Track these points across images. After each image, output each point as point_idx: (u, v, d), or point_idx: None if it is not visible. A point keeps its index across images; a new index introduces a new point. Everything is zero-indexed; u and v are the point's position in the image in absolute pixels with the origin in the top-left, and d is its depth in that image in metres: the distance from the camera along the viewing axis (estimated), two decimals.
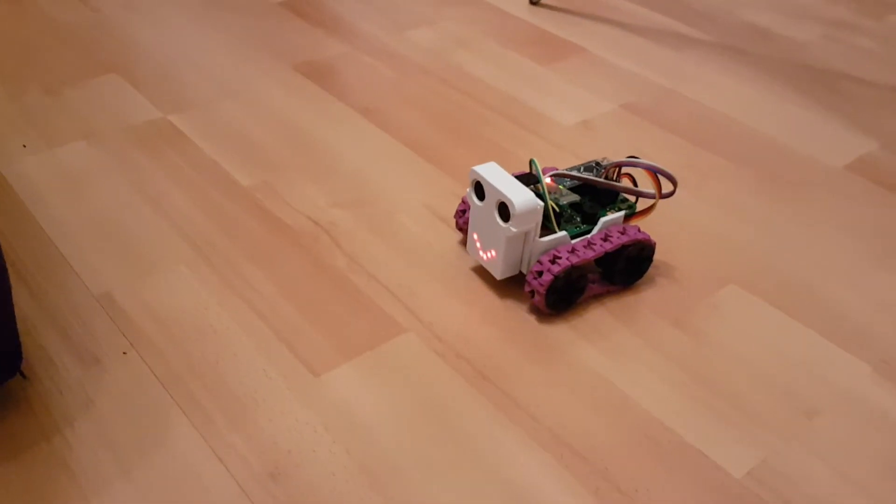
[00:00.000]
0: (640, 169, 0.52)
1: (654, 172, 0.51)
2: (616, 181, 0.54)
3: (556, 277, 0.49)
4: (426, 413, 0.44)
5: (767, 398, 0.47)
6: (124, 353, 0.47)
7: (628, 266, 0.52)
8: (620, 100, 0.75)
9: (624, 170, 0.54)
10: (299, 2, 0.90)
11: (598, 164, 0.55)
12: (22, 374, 0.44)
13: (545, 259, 0.50)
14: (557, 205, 0.53)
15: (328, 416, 0.44)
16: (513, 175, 0.51)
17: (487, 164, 0.51)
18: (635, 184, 0.55)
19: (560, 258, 0.50)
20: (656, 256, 0.56)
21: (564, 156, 0.67)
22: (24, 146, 0.63)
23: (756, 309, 0.53)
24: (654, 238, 0.58)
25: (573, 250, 0.50)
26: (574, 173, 0.54)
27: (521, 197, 0.48)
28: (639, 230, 0.53)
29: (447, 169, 0.64)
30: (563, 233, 0.51)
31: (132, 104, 0.70)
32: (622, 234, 0.52)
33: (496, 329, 0.50)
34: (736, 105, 0.76)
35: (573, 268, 0.50)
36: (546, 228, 0.52)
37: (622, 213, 0.53)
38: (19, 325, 0.48)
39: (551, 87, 0.77)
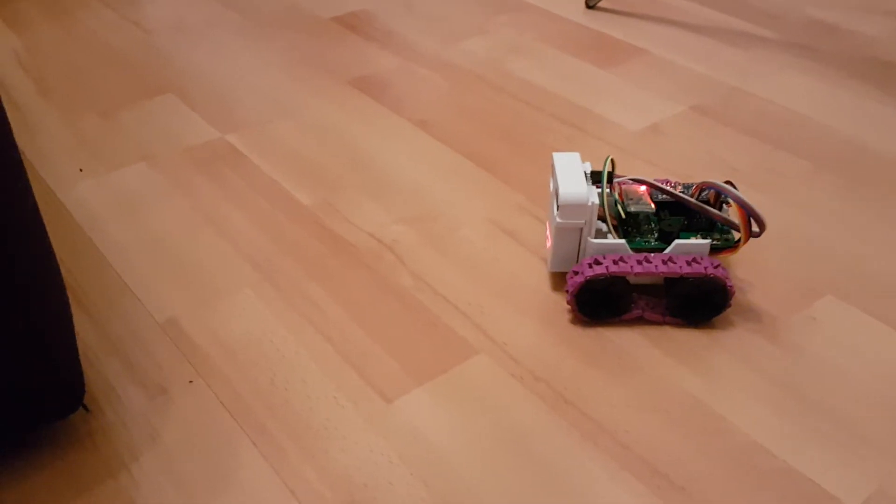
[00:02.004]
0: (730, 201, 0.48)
1: (743, 209, 0.47)
2: (713, 206, 0.49)
3: (588, 281, 0.46)
4: (505, 440, 0.42)
5: (877, 417, 0.43)
6: (190, 381, 0.45)
7: (690, 302, 0.47)
8: (688, 101, 0.72)
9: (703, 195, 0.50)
10: (351, 17, 0.89)
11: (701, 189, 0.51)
12: (84, 406, 0.43)
13: (588, 261, 0.47)
14: (625, 211, 0.50)
15: (402, 444, 0.41)
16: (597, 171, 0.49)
17: (570, 153, 0.50)
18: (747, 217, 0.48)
19: (601, 264, 0.47)
20: (743, 264, 0.53)
21: (634, 162, 0.64)
22: (81, 170, 0.63)
23: (855, 320, 0.49)
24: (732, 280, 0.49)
25: (622, 260, 0.47)
26: (659, 184, 0.50)
27: (571, 189, 0.47)
28: (717, 266, 0.47)
29: (510, 180, 0.62)
30: (621, 241, 0.48)
31: (189, 125, 0.69)
32: (691, 262, 0.47)
33: (574, 349, 0.47)
34: (809, 103, 0.72)
35: (613, 278, 0.46)
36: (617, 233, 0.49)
37: (707, 241, 0.48)
38: (80, 355, 0.47)
39: (614, 90, 0.74)
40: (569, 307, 0.49)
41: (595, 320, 0.48)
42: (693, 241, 0.48)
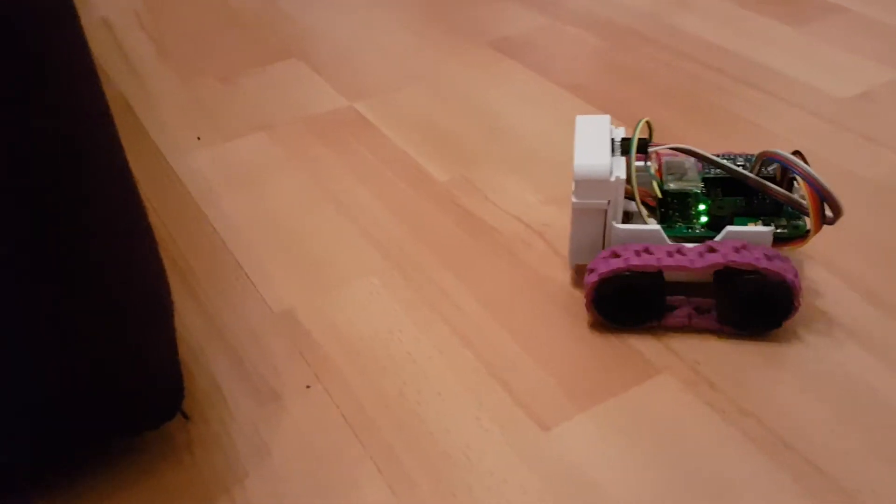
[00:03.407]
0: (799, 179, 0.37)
1: (814, 189, 0.35)
2: (779, 184, 0.38)
3: (603, 280, 0.36)
4: (699, 490, 0.32)
5: None
6: (307, 386, 0.38)
7: (745, 303, 0.36)
8: None
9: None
10: None
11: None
12: (183, 413, 0.36)
13: (605, 254, 0.38)
14: (662, 189, 0.39)
15: (564, 485, 0.32)
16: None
17: (599, 115, 0.40)
18: (824, 198, 0.37)
19: (620, 256, 0.36)
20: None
21: (845, 136, 0.51)
22: (199, 139, 0.57)
23: None
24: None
25: (647, 251, 0.36)
26: (704, 153, 0.39)
27: (588, 161, 0.37)
28: (780, 259, 0.36)
29: None
30: (655, 226, 0.38)
31: (314, 91, 0.62)
32: (741, 250, 0.36)
33: (790, 373, 0.36)
34: None
35: (637, 274, 0.36)
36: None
37: (769, 229, 0.37)
38: (184, 347, 0.40)
39: (809, 51, 0.61)
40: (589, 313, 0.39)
41: (625, 325, 0.38)
42: (751, 227, 0.37)
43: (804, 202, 0.37)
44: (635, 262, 0.36)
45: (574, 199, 0.38)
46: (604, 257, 0.38)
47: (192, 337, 0.41)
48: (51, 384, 0.28)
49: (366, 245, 0.46)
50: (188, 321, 0.42)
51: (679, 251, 0.37)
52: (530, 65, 0.63)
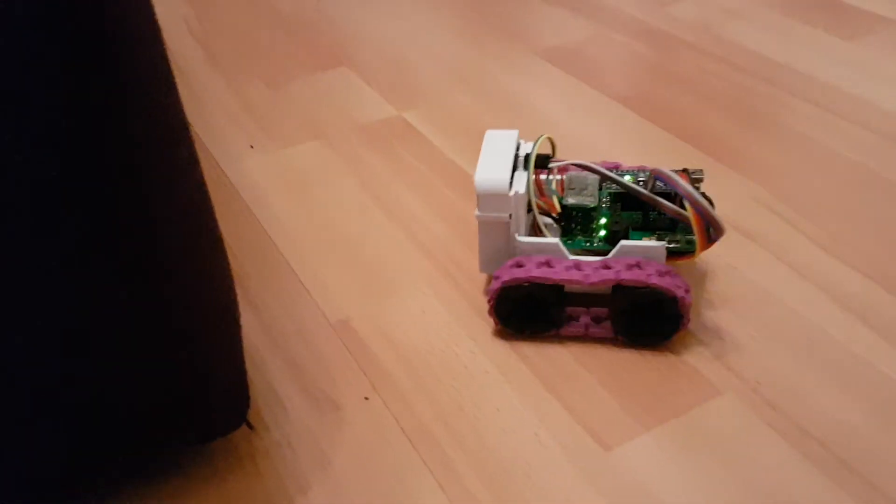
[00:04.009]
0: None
1: (693, 208, 0.37)
2: (672, 199, 0.39)
3: (505, 288, 0.38)
4: None
5: None
6: (366, 398, 0.38)
7: (634, 318, 0.38)
8: None
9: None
10: None
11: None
12: (248, 423, 0.37)
13: (511, 263, 0.39)
14: (560, 203, 0.41)
15: None
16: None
17: (508, 130, 0.42)
18: (712, 205, 0.39)
19: (523, 266, 0.38)
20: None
21: None
22: (252, 147, 0.58)
23: None
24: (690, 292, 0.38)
25: (548, 264, 0.38)
26: (599, 168, 0.40)
27: (488, 175, 0.39)
28: (671, 275, 0.37)
29: (741, 168, 0.51)
30: (554, 239, 0.39)
31: (363, 100, 0.62)
32: (632, 268, 0.37)
33: (856, 393, 0.36)
34: None
35: (537, 285, 0.38)
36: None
37: (661, 244, 0.38)
38: (245, 358, 0.41)
39: (865, 66, 0.60)
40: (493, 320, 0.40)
41: (524, 333, 0.40)
42: (644, 242, 0.38)
43: (675, 208, 0.39)
44: (535, 273, 0.38)
45: (477, 213, 0.40)
46: (508, 267, 0.39)
47: (251, 344, 0.41)
48: (127, 393, 0.29)
49: (418, 254, 0.46)
50: (246, 329, 0.42)
51: (577, 266, 0.38)
52: (580, 74, 0.63)
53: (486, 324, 0.41)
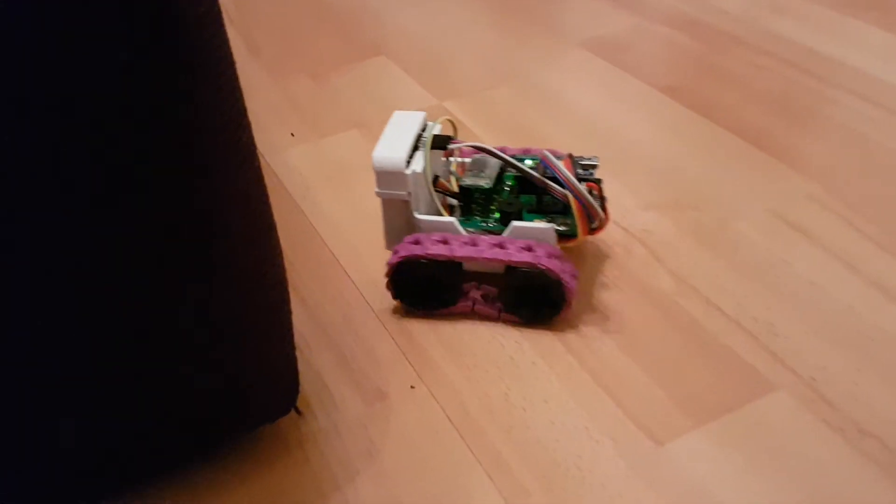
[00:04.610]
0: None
1: (572, 194, 0.39)
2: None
3: (402, 263, 0.39)
4: None
5: None
6: (412, 386, 0.38)
7: (522, 297, 0.39)
8: None
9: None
10: None
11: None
12: (297, 409, 0.37)
13: (409, 240, 0.40)
14: (459, 184, 0.42)
15: (682, 502, 0.32)
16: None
17: (415, 112, 0.43)
18: (601, 193, 0.41)
19: (421, 244, 0.40)
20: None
21: None
22: (293, 135, 0.58)
23: None
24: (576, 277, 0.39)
25: (445, 241, 0.39)
26: (496, 151, 0.41)
27: (384, 153, 0.40)
28: (559, 259, 0.39)
29: (793, 163, 0.50)
30: (451, 218, 0.41)
31: (404, 90, 0.62)
32: (523, 250, 0.39)
33: None
34: None
35: (435, 262, 0.39)
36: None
37: (550, 225, 0.40)
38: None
39: None
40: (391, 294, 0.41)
41: (419, 310, 0.41)
42: (533, 223, 0.40)
43: (557, 187, 0.40)
44: (433, 250, 0.39)
45: (376, 190, 0.41)
46: (407, 243, 0.40)
47: (300, 335, 0.41)
48: (184, 380, 0.29)
49: None
50: (295, 319, 0.42)
51: (472, 243, 0.39)
52: (623, 65, 0.62)
53: None
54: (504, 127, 0.56)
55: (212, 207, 0.26)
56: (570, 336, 0.40)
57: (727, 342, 0.38)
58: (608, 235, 0.46)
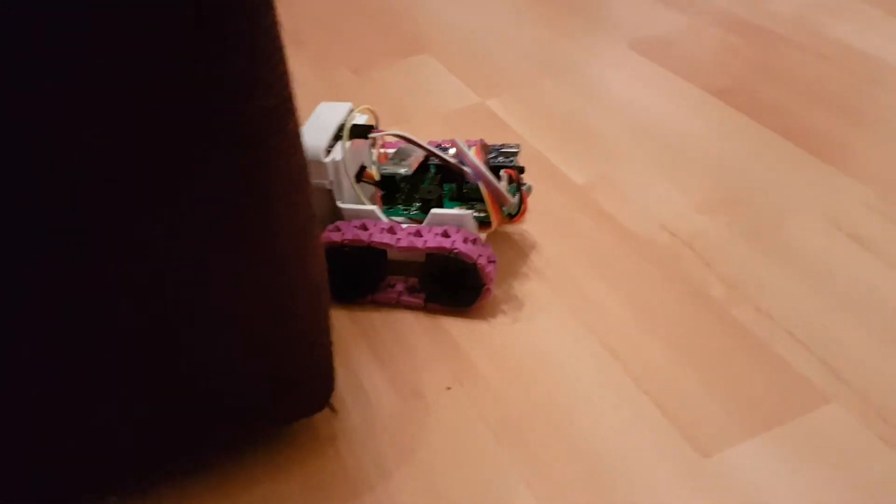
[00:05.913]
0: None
1: (479, 179, 0.39)
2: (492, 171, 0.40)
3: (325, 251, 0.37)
4: None
5: None
6: (448, 388, 0.37)
7: (440, 283, 0.39)
8: None
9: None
10: None
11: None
12: (331, 406, 0.36)
13: (332, 227, 0.41)
14: (380, 173, 0.42)
15: None
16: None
17: (341, 103, 0.43)
18: (519, 181, 0.42)
19: (340, 231, 0.40)
20: None
21: None
22: None
23: None
24: (494, 262, 0.40)
25: (364, 228, 0.40)
26: (416, 140, 0.41)
27: (305, 143, 0.39)
28: (477, 244, 0.39)
29: (848, 168, 0.48)
30: (372, 206, 0.41)
31: (446, 86, 0.61)
32: (440, 236, 0.39)
33: None
34: None
35: (355, 248, 0.39)
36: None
37: (468, 212, 0.40)
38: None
39: None
40: None
41: (343, 300, 0.41)
42: (451, 210, 0.40)
43: (503, 190, 0.40)
44: (350, 236, 0.39)
45: None
46: (328, 231, 0.40)
47: (334, 328, 0.41)
48: (226, 373, 0.28)
49: (503, 245, 0.45)
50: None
51: (391, 230, 0.40)
52: (671, 66, 0.60)
53: (574, 317, 0.40)
54: (548, 125, 0.55)
55: (267, 192, 0.25)
56: (615, 341, 0.38)
57: (779, 350, 0.37)
58: (654, 238, 0.44)
